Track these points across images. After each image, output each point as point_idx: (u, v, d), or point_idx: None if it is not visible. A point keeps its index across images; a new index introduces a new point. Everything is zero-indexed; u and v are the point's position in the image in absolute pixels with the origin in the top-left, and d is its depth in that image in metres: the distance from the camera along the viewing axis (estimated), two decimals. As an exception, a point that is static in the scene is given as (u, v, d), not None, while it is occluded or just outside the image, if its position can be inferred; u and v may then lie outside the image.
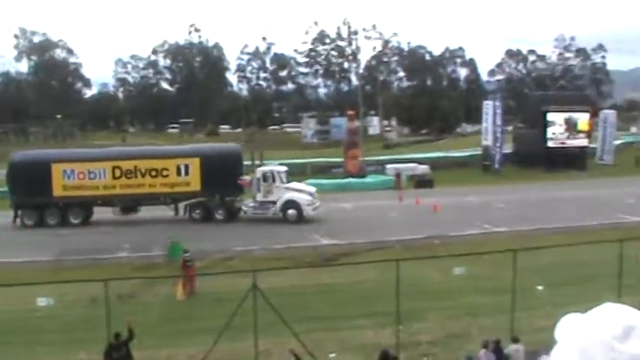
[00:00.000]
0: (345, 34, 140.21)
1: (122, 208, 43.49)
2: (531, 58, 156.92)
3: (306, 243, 35.40)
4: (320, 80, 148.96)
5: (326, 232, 38.06)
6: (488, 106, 71.60)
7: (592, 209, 44.57)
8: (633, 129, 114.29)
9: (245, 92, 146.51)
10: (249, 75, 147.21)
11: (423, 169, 64.13)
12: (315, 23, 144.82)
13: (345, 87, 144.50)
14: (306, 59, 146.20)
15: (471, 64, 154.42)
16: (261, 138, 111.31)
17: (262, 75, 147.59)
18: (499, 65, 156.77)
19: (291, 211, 41.79)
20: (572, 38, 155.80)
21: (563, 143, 70.80)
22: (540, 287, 24.81)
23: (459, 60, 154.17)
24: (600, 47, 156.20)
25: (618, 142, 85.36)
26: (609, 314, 1.88)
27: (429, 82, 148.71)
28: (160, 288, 27.00)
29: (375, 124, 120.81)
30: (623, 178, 61.82)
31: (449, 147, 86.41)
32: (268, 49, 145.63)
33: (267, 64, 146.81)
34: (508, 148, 73.95)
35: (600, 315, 1.89)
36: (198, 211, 43.12)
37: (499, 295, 21.81)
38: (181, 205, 43.73)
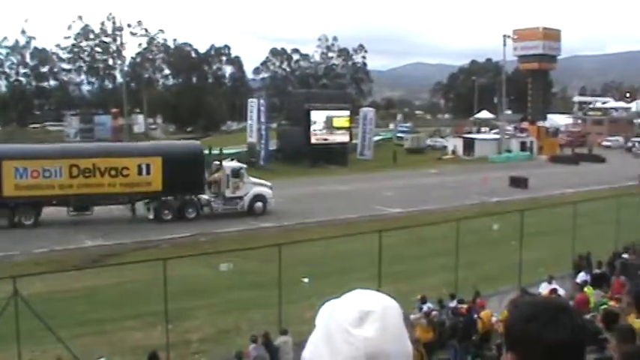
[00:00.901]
0: (109, 30, 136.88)
1: (75, 207, 40.72)
2: (295, 57, 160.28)
3: (71, 245, 34.29)
4: (84, 77, 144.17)
5: (91, 233, 37.11)
6: (253, 104, 72.57)
7: (353, 202, 46.44)
8: (391, 126, 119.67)
9: (3, 88, 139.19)
10: (7, 70, 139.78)
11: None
12: (79, 17, 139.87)
13: (109, 84, 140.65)
14: (69, 55, 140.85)
15: (236, 62, 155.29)
16: (21, 137, 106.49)
17: (22, 70, 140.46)
18: (264, 63, 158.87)
19: (258, 204, 44.12)
20: (335, 38, 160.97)
21: (325, 140, 72.94)
22: (306, 279, 25.55)
23: (224, 58, 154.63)
24: (361, 48, 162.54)
25: (377, 138, 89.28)
26: (350, 301, 2.04)
27: (194, 80, 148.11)
28: None
29: (140, 122, 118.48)
30: (381, 172, 64.82)
31: (214, 144, 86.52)
32: (28, 43, 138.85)
33: (28, 59, 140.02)
34: (273, 145, 75.19)
35: (343, 302, 2.04)
36: (167, 211, 41.61)
37: (266, 289, 22.20)
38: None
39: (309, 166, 68.24)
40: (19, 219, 39.14)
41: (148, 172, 41.16)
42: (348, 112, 76.07)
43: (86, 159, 40.37)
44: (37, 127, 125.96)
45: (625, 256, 26.98)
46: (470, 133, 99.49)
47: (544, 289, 22.01)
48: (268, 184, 45.80)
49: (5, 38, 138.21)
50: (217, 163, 46.82)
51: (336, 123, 73.79)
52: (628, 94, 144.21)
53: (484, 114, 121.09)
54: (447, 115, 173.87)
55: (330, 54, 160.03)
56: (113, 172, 40.46)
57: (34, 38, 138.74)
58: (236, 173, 44.33)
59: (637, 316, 9.61)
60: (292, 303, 21.45)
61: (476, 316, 20.32)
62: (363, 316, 1.98)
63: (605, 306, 16.11)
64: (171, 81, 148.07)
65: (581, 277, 24.07)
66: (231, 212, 42.83)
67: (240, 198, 43.75)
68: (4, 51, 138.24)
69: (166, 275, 18.57)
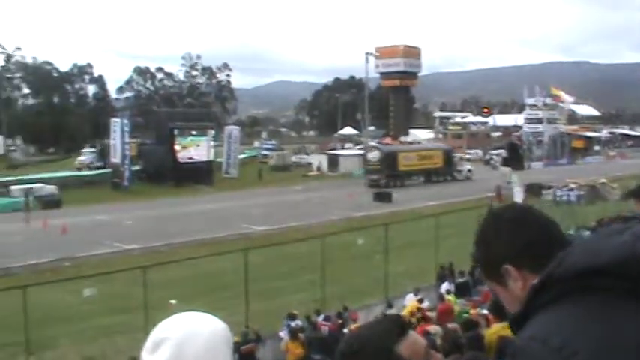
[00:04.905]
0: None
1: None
2: (159, 75, 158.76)
3: None
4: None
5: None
6: (117, 124, 71.18)
7: (219, 221, 46.22)
8: (256, 144, 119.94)
9: None
10: None
11: (50, 189, 62.05)
12: None
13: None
14: None
15: (99, 81, 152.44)
16: None
17: None
18: (128, 82, 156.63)
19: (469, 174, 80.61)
20: (199, 57, 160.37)
21: (190, 158, 72.38)
22: (173, 301, 25.17)
23: (87, 76, 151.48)
24: (225, 66, 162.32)
25: (242, 156, 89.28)
26: (158, 326, 2.10)
27: (56, 99, 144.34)
28: None
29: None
30: (247, 190, 64.76)
31: (76, 165, 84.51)
32: None
33: None
34: (137, 165, 74.05)
35: (156, 326, 2.11)
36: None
37: (133, 313, 21.79)
38: None
39: (174, 186, 67.57)
40: (402, 183, 71.48)
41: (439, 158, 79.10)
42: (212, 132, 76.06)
43: (425, 151, 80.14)
44: None
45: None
46: (334, 149, 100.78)
47: (410, 300, 22.44)
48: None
49: None
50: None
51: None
52: (485, 109, 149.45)
53: (348, 130, 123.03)
54: (311, 133, 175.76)
55: (194, 72, 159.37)
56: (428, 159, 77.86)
57: None
58: (460, 158, 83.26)
59: (497, 322, 9.90)
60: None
61: (346, 329, 20.46)
62: (158, 342, 2.05)
63: (467, 314, 16.59)
64: (31, 100, 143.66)
65: (445, 286, 24.67)
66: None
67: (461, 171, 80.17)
68: None
69: (27, 303, 17.96)
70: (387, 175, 71.48)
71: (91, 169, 78.61)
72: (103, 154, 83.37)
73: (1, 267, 33.18)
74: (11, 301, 20.13)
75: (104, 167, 77.03)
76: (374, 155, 74.76)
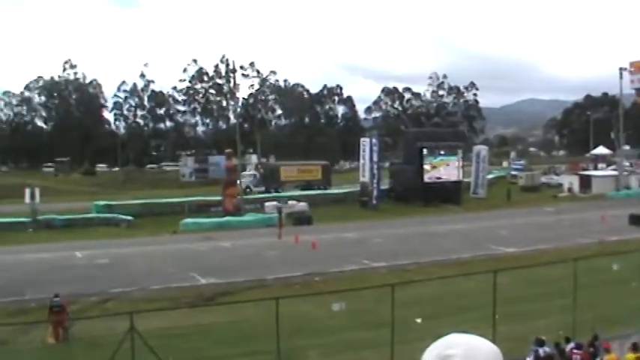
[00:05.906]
0: (223, 72, 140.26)
1: None
2: (407, 95, 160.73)
3: (185, 283, 34.70)
4: (198, 118, 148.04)
5: (205, 271, 37.48)
6: (365, 143, 72.39)
7: (467, 241, 45.70)
8: (505, 164, 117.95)
9: (122, 130, 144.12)
10: (126, 112, 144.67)
11: (302, 206, 64.24)
12: (194, 61, 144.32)
13: (223, 125, 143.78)
14: (185, 97, 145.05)
15: (348, 102, 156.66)
16: (138, 177, 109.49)
17: (140, 113, 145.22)
18: (376, 103, 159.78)
19: None
20: (445, 76, 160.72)
21: (439, 178, 72.22)
22: (419, 320, 25.08)
23: (336, 98, 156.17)
24: (472, 85, 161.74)
25: (490, 176, 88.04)
26: (437, 344, 2.13)
27: (306, 120, 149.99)
28: (34, 334, 25.80)
29: (253, 162, 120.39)
30: (495, 210, 63.63)
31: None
32: (146, 86, 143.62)
33: (145, 102, 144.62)
34: (385, 184, 74.96)
35: (433, 345, 2.14)
36: None
37: (379, 329, 21.89)
38: None
39: (422, 205, 67.66)
40: None
41: None
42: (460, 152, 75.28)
43: None
44: (154, 167, 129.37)
45: None
46: (586, 169, 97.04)
47: (669, 333, 20.94)
48: None
49: (124, 82, 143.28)
50: None
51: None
52: None
53: (600, 150, 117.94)
54: (561, 152, 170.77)
55: (441, 92, 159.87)
56: None
57: (152, 82, 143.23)
58: None
59: None
60: (405, 343, 21.01)
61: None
62: (442, 359, 2.06)
63: None
64: (283, 121, 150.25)
65: None
66: None
67: None
68: (123, 94, 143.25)
69: (278, 314, 18.51)
70: None
71: (247, 194, 75.69)
72: (266, 177, 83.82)
73: (257, 278, 34.70)
74: (264, 311, 20.87)
75: (267, 191, 77.53)
76: None
